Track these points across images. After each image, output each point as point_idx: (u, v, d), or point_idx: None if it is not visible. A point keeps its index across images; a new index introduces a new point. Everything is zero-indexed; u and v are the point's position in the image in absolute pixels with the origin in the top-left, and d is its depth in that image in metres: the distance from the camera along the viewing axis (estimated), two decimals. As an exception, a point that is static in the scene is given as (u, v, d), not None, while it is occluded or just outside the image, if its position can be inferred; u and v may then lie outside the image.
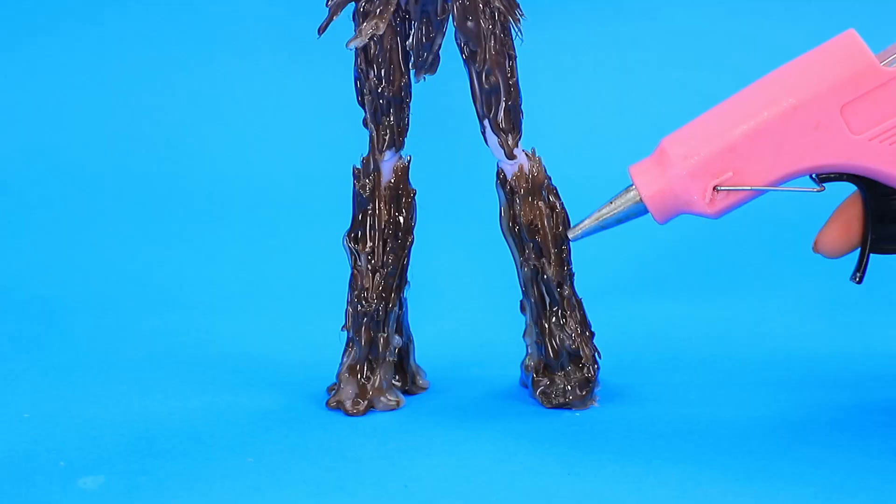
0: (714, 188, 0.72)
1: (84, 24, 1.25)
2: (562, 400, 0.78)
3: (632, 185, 0.74)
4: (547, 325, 0.78)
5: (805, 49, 0.72)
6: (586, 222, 0.76)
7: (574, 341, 0.77)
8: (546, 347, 0.78)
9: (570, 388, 0.78)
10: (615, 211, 0.75)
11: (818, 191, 0.72)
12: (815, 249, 0.74)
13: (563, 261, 0.77)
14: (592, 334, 0.78)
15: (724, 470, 0.69)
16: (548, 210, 0.77)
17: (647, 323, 0.94)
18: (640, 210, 0.74)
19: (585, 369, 0.78)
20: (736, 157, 0.71)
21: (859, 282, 0.73)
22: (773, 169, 0.71)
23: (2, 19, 1.25)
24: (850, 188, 0.74)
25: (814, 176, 0.72)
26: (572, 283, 0.78)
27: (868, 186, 0.72)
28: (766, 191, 0.71)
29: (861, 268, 0.73)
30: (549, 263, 0.77)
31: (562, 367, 0.78)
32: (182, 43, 1.24)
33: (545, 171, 0.77)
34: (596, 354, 0.78)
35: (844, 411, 0.77)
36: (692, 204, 0.72)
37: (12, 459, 0.71)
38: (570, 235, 0.76)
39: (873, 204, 0.72)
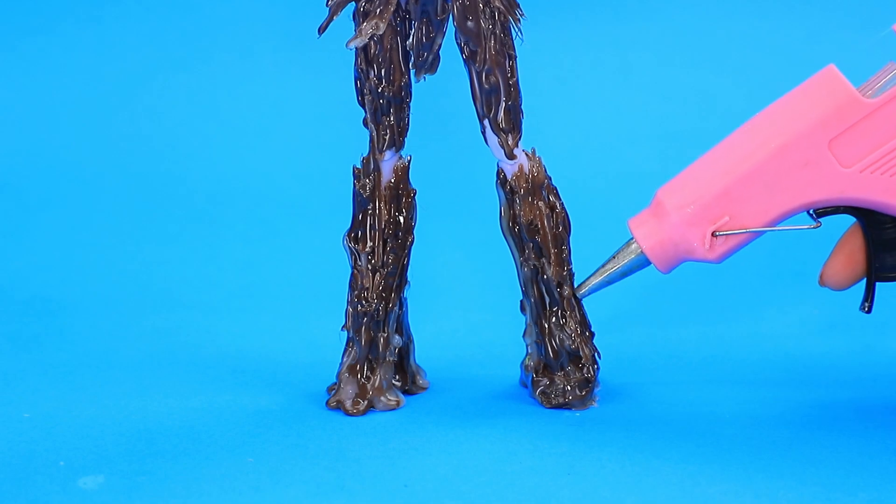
0: (712, 234, 0.73)
1: (84, 24, 1.25)
2: (561, 400, 0.78)
3: (632, 239, 0.75)
4: (547, 325, 0.78)
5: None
6: (592, 279, 0.77)
7: (574, 341, 0.77)
8: (546, 347, 0.78)
9: (569, 388, 0.78)
10: (618, 265, 0.76)
11: (815, 227, 0.73)
12: (821, 283, 0.75)
13: (563, 261, 0.77)
14: (592, 334, 0.78)
15: (723, 469, 0.69)
16: (548, 210, 0.77)
17: (646, 323, 0.94)
18: (642, 262, 0.75)
19: (585, 369, 0.78)
20: (731, 202, 0.72)
21: (868, 311, 0.74)
22: (768, 210, 0.72)
23: (2, 19, 1.25)
24: (850, 219, 0.74)
25: (811, 211, 0.73)
26: (572, 283, 0.78)
27: (866, 217, 0.73)
28: (764, 232, 0.72)
29: (868, 297, 0.74)
30: (549, 263, 0.77)
31: (561, 367, 0.78)
32: (182, 43, 1.24)
33: (545, 170, 0.77)
34: (596, 354, 0.78)
35: (844, 411, 0.77)
36: (693, 251, 0.74)
37: (12, 459, 0.71)
38: (578, 293, 0.77)
39: (873, 234, 0.73)
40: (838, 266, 0.74)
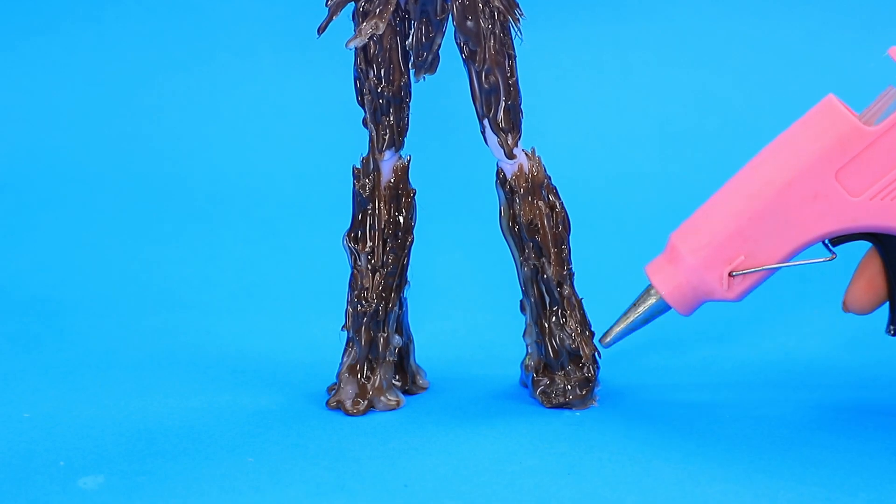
0: (729, 274, 0.73)
1: (84, 24, 1.25)
2: (562, 399, 0.78)
3: (650, 286, 0.75)
4: (547, 325, 0.78)
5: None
6: (616, 329, 0.77)
7: (574, 341, 0.77)
8: (546, 347, 0.78)
9: (570, 387, 0.78)
10: (639, 313, 0.77)
11: (830, 259, 0.73)
12: (845, 309, 0.75)
13: (563, 260, 0.77)
14: (592, 334, 0.78)
15: (723, 470, 0.69)
16: (547, 209, 0.77)
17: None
18: (663, 307, 0.76)
19: (585, 369, 0.78)
20: (744, 241, 0.73)
21: (894, 334, 0.74)
22: (783, 245, 0.73)
23: (2, 19, 1.25)
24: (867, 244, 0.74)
25: (826, 242, 0.73)
26: (572, 283, 0.78)
27: (882, 241, 0.73)
28: (781, 267, 0.73)
29: (894, 320, 0.74)
30: (549, 263, 0.77)
31: (562, 366, 0.78)
32: (182, 43, 1.24)
33: (545, 170, 0.77)
34: (596, 354, 0.78)
35: (844, 411, 0.77)
36: (712, 293, 0.74)
37: (12, 459, 0.71)
38: (603, 342, 0.78)
39: (890, 257, 0.73)
40: (860, 292, 0.74)
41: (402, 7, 0.75)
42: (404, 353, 0.81)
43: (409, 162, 0.77)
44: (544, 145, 0.77)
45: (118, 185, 1.19)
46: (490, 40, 0.74)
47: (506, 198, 0.77)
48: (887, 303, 0.74)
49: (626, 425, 0.75)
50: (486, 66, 0.74)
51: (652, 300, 0.76)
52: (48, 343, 0.92)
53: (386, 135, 0.76)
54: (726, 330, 0.93)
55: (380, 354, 0.78)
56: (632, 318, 0.77)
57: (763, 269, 0.73)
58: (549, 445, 0.73)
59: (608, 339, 0.77)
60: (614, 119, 1.21)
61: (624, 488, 0.67)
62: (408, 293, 0.79)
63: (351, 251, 0.78)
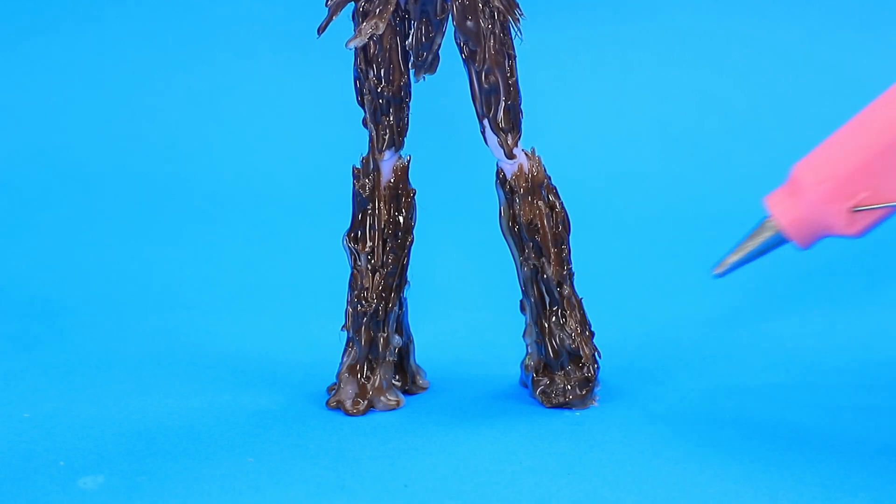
0: (851, 209, 0.71)
1: (84, 24, 1.25)
2: (562, 399, 0.78)
3: (770, 216, 0.74)
4: (547, 325, 0.78)
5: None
6: (730, 259, 0.74)
7: (574, 341, 0.77)
8: (546, 347, 0.78)
9: (569, 387, 0.78)
10: (756, 244, 0.74)
11: None
12: None
13: (563, 260, 0.77)
14: (592, 334, 0.78)
15: (723, 470, 0.69)
16: (547, 209, 0.77)
17: (647, 323, 0.94)
18: (780, 239, 0.73)
19: (585, 369, 0.78)
20: (869, 177, 0.70)
21: None
22: None
23: (2, 19, 1.25)
24: None
25: None
26: (572, 283, 0.78)
27: None
28: None
29: None
30: (549, 263, 0.77)
31: (562, 366, 0.78)
32: (182, 43, 1.24)
33: (545, 170, 0.77)
34: (596, 354, 0.78)
35: (844, 411, 0.77)
36: (832, 227, 0.72)
37: (12, 459, 0.71)
38: (718, 270, 0.75)
39: None
40: None
41: (402, 7, 0.75)
42: (404, 353, 0.81)
43: (409, 162, 0.77)
44: (544, 145, 0.77)
45: (118, 185, 1.19)
46: (490, 40, 0.74)
47: (506, 198, 0.77)
48: None
49: (626, 425, 0.75)
50: (486, 66, 0.74)
51: (770, 232, 0.73)
52: (48, 343, 0.92)
53: (386, 135, 0.76)
54: (726, 330, 0.93)
55: (380, 354, 0.78)
56: (748, 248, 0.73)
57: (886, 207, 0.70)
58: (549, 445, 0.73)
59: (722, 269, 0.74)
60: (614, 119, 1.21)
61: (624, 488, 0.67)
62: (408, 293, 0.79)
63: (351, 251, 0.78)
